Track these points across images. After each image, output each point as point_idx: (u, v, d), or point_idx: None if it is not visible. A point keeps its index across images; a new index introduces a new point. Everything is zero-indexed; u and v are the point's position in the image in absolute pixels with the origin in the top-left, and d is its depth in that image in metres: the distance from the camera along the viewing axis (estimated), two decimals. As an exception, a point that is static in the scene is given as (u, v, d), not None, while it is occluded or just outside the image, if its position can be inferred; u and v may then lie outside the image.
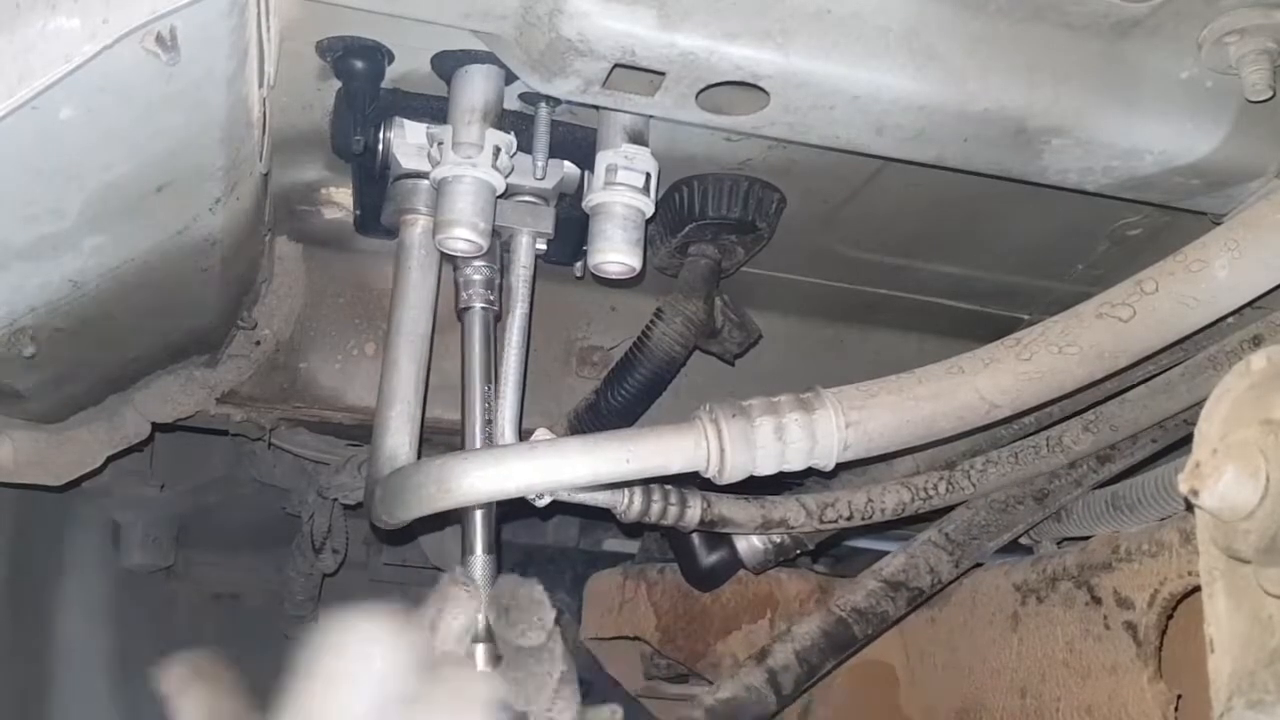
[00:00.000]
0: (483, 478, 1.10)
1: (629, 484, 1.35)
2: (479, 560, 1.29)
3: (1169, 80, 1.17)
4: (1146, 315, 1.14)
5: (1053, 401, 1.24)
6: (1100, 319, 1.15)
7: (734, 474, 1.12)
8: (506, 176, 1.23)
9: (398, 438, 1.30)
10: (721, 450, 1.11)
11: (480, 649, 1.17)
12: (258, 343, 1.64)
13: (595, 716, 1.20)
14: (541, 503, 1.28)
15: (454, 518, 1.36)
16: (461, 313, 1.38)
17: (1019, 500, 1.51)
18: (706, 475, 1.13)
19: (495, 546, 1.31)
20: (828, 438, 1.12)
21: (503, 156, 1.21)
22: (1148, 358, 1.20)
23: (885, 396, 1.14)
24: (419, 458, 1.30)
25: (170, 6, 0.90)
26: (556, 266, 1.49)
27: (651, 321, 1.51)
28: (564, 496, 1.27)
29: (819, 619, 1.50)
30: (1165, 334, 1.16)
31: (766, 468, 1.13)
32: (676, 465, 1.12)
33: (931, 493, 1.48)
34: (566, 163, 1.33)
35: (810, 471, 1.16)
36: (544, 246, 1.37)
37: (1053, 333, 1.15)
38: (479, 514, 1.31)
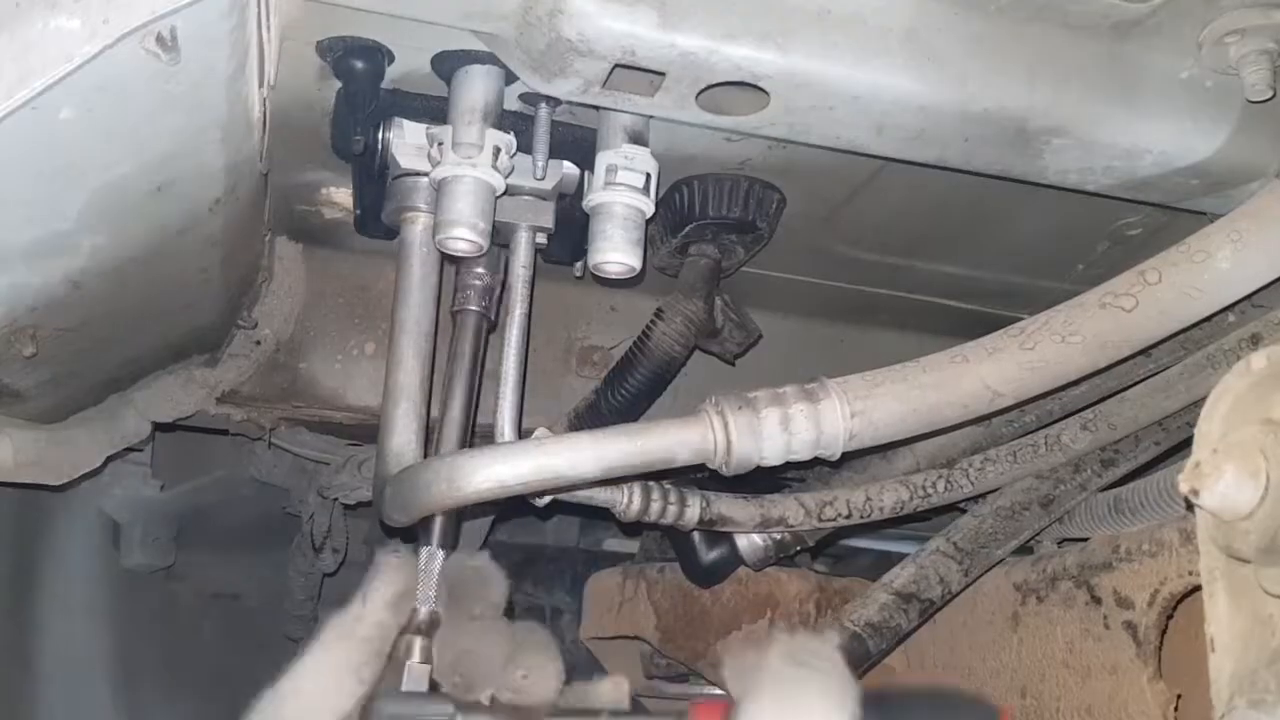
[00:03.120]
0: (491, 474, 1.09)
1: (631, 481, 1.35)
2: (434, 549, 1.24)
3: (1169, 80, 1.17)
4: (1149, 305, 1.14)
5: (1054, 392, 1.24)
6: (1104, 309, 1.15)
7: (740, 465, 1.12)
8: (506, 177, 1.23)
9: (404, 436, 1.30)
10: (728, 441, 1.11)
11: (420, 618, 1.13)
12: (258, 342, 1.64)
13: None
14: (541, 502, 1.28)
15: (471, 513, 1.35)
16: (455, 314, 1.37)
17: (1025, 506, 1.49)
18: (713, 466, 1.13)
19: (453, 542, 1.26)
20: (833, 427, 1.12)
21: (503, 157, 1.21)
22: (1150, 348, 1.20)
23: (890, 386, 1.14)
24: (426, 455, 1.30)
25: (170, 7, 0.90)
26: (556, 266, 1.49)
27: (651, 321, 1.51)
28: (567, 495, 1.27)
29: (834, 636, 1.45)
30: (1168, 324, 1.16)
31: (773, 458, 1.13)
32: (683, 457, 1.12)
33: (930, 491, 1.48)
34: (566, 163, 1.33)
35: (816, 462, 1.16)
36: (544, 241, 1.36)
37: (1056, 322, 1.16)
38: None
